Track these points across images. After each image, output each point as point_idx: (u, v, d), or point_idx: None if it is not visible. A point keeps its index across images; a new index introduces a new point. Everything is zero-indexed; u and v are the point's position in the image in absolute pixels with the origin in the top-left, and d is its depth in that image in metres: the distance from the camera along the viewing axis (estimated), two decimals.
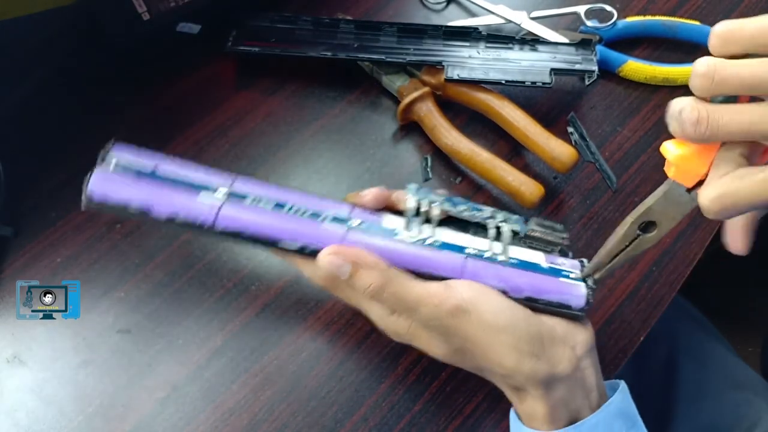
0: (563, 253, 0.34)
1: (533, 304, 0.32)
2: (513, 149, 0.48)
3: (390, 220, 0.33)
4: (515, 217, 0.34)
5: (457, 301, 0.29)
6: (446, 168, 0.47)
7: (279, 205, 0.32)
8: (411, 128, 0.49)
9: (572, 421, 0.31)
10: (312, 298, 0.42)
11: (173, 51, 0.51)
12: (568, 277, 0.33)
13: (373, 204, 0.34)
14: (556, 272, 0.33)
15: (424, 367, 0.40)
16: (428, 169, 0.47)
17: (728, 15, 0.55)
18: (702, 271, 0.47)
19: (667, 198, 0.29)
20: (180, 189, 0.32)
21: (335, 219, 0.32)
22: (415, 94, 0.47)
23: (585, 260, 0.33)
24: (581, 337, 0.32)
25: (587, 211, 0.46)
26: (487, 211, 0.34)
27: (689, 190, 0.28)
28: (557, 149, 0.44)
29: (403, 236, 0.32)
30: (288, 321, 0.41)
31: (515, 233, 0.34)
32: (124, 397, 0.38)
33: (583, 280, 0.33)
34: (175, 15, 0.50)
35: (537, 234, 0.34)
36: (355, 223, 0.32)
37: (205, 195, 0.32)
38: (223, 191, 0.32)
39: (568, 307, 0.32)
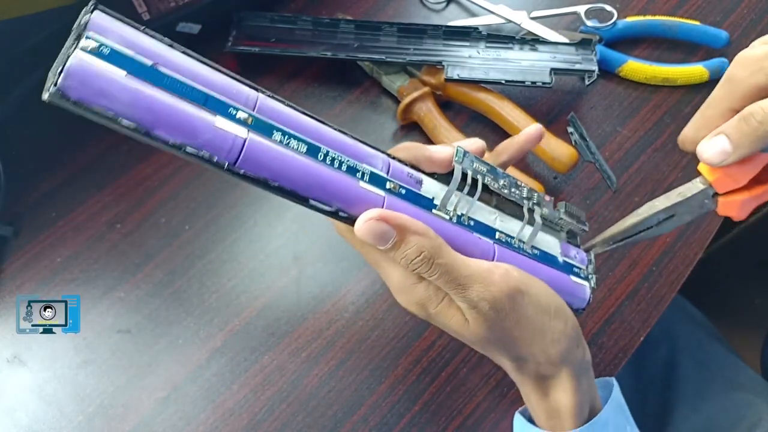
0: (573, 235, 0.34)
1: None
2: None
3: (428, 187, 0.29)
4: (546, 199, 0.33)
5: (516, 282, 0.27)
6: None
7: (313, 149, 0.26)
8: (411, 128, 0.49)
9: (591, 416, 0.31)
10: (311, 298, 0.42)
11: None
12: (578, 275, 0.33)
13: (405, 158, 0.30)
14: (568, 269, 0.32)
15: (424, 367, 0.40)
16: None
17: (728, 15, 0.55)
18: (702, 271, 0.47)
19: (696, 198, 0.30)
20: (190, 103, 0.24)
21: (373, 177, 0.27)
22: (415, 94, 0.47)
23: (592, 253, 0.34)
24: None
25: (587, 211, 0.46)
26: (524, 190, 0.32)
27: (715, 194, 0.29)
28: (557, 149, 0.44)
29: (440, 210, 0.29)
30: (288, 320, 0.41)
31: (544, 219, 0.32)
32: (124, 397, 0.38)
33: (587, 277, 0.33)
34: (175, 15, 0.50)
35: (565, 223, 0.33)
36: (393, 186, 0.28)
37: (224, 120, 0.24)
38: (244, 115, 0.25)
39: (572, 309, 0.32)
